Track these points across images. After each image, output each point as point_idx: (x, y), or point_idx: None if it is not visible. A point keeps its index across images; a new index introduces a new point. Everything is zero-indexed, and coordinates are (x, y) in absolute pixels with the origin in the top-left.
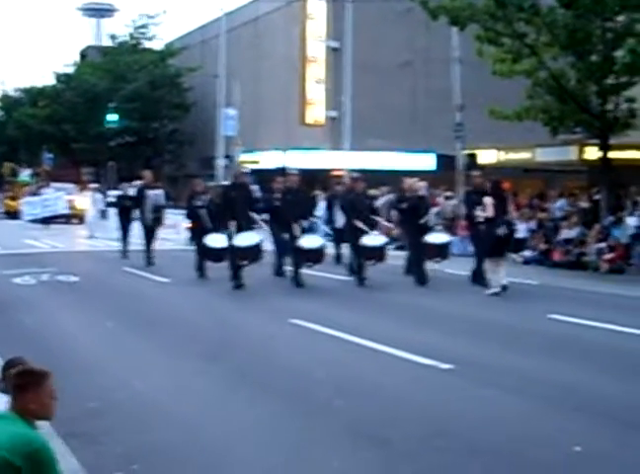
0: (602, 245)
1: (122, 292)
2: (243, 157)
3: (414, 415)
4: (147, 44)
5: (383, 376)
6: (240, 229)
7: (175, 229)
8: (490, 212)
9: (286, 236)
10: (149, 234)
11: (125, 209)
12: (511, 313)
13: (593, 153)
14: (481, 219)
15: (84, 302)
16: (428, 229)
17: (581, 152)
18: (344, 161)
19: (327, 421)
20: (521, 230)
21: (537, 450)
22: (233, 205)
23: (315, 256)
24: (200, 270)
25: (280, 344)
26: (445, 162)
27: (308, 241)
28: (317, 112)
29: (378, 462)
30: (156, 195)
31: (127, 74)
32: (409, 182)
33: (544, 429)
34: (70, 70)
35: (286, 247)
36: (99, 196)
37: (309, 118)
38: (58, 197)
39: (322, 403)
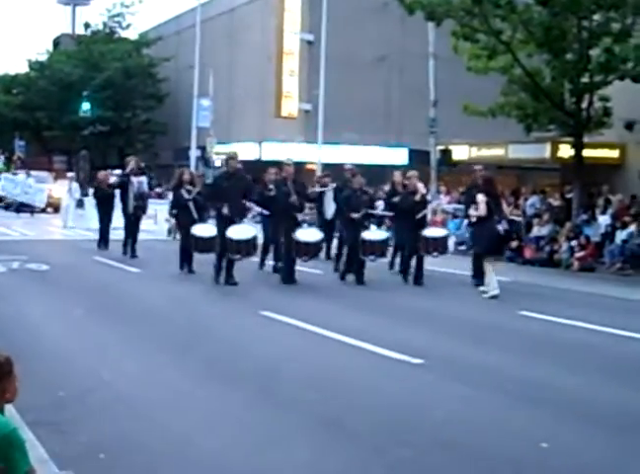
0: (574, 243)
1: (93, 282)
2: (217, 148)
3: (383, 409)
4: (122, 34)
5: (353, 370)
6: (233, 221)
7: (154, 220)
8: (482, 211)
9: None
10: (133, 224)
11: (106, 198)
12: (483, 310)
13: (566, 151)
14: (473, 219)
15: (54, 291)
16: (424, 224)
17: (554, 150)
18: (317, 154)
19: (296, 413)
20: None
21: (505, 446)
22: (226, 196)
23: (313, 249)
24: (184, 264)
25: (251, 336)
26: (418, 157)
27: (306, 234)
28: (291, 104)
29: (347, 455)
30: (140, 182)
31: (101, 63)
32: (397, 175)
33: (512, 424)
34: (44, 58)
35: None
36: (75, 184)
37: (284, 111)
38: (41, 189)
39: (291, 395)
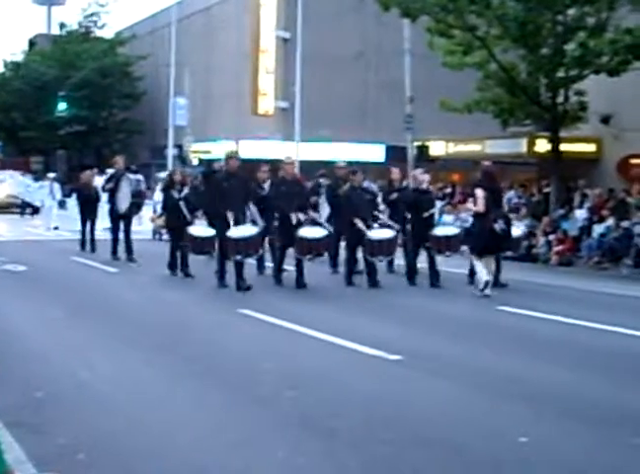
0: (552, 237)
1: (70, 282)
2: (194, 147)
3: (360, 405)
4: (98, 33)
5: (331, 367)
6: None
7: (138, 220)
8: (481, 207)
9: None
10: (125, 223)
11: (90, 201)
12: (460, 305)
13: (542, 146)
14: (470, 213)
15: (31, 291)
16: (432, 223)
17: (531, 145)
18: (294, 151)
19: (274, 411)
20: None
21: (483, 441)
22: (226, 198)
23: (317, 246)
24: (175, 267)
25: (229, 334)
26: (395, 153)
27: (311, 231)
28: (268, 102)
29: (323, 453)
30: (138, 180)
31: (77, 62)
32: (395, 171)
33: (491, 419)
34: (19, 58)
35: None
36: (57, 185)
37: (261, 109)
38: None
39: (269, 393)
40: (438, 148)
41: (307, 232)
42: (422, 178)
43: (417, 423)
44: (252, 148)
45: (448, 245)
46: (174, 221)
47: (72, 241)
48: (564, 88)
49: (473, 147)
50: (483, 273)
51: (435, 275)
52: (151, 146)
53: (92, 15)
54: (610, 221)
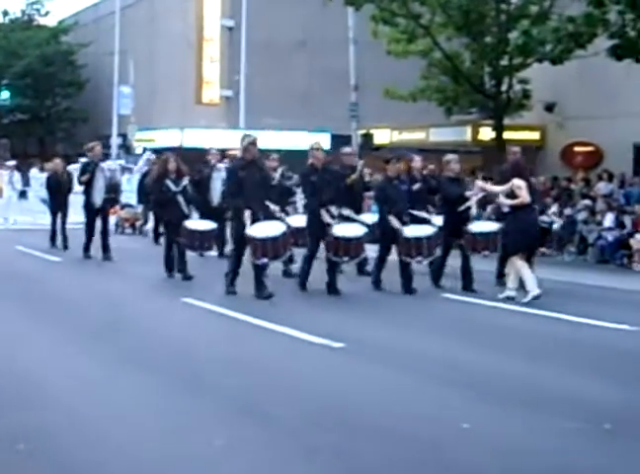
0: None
1: (10, 271)
2: (138, 135)
3: (302, 393)
4: (41, 21)
5: (273, 355)
6: (257, 219)
7: None
8: (525, 198)
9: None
10: (102, 218)
11: (60, 190)
12: (400, 291)
13: (486, 134)
14: (506, 209)
15: None
16: (468, 218)
17: (475, 133)
18: (239, 140)
19: (214, 399)
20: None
21: (426, 427)
22: (243, 190)
23: (354, 247)
24: (172, 268)
25: (171, 322)
26: (340, 142)
27: (345, 229)
28: (212, 91)
29: (263, 440)
30: (112, 170)
31: (20, 51)
32: (417, 160)
33: (433, 406)
34: None
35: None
36: (17, 174)
37: (205, 98)
38: None
39: (209, 381)
40: (382, 136)
41: (341, 230)
42: (455, 166)
43: (359, 410)
44: (196, 137)
45: (486, 244)
46: (170, 216)
47: (25, 231)
48: (508, 76)
49: (418, 135)
50: (532, 282)
51: (468, 277)
52: (95, 135)
53: (35, 3)
54: (554, 209)
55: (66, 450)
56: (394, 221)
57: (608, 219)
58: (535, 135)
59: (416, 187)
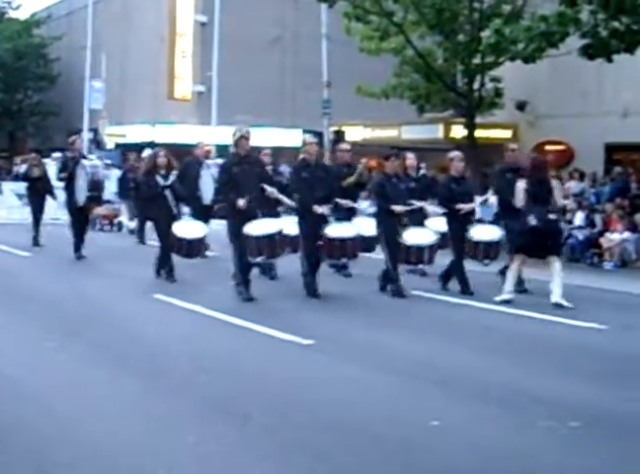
0: None
1: None
2: (110, 130)
3: (273, 390)
4: (12, 14)
5: (244, 352)
6: (254, 216)
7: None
8: (519, 202)
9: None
10: (81, 218)
11: (38, 187)
12: (374, 290)
13: (459, 131)
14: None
15: None
16: (471, 221)
17: (447, 130)
18: (211, 136)
19: (185, 396)
20: None
21: (395, 425)
22: (237, 186)
23: (352, 247)
24: (163, 270)
25: (143, 319)
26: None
27: (339, 229)
28: (184, 86)
29: (235, 437)
30: (94, 167)
31: None
32: (411, 157)
33: (402, 404)
34: None
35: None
36: None
37: (177, 93)
38: None
39: (181, 379)
40: (354, 133)
41: (336, 231)
42: (457, 165)
43: (330, 407)
44: (168, 133)
45: (488, 252)
46: (156, 211)
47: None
48: (480, 74)
49: (390, 133)
50: (511, 284)
51: (449, 277)
52: (67, 129)
53: None
54: None
55: (38, 447)
56: (397, 207)
57: (579, 218)
58: (507, 133)
59: (411, 186)
